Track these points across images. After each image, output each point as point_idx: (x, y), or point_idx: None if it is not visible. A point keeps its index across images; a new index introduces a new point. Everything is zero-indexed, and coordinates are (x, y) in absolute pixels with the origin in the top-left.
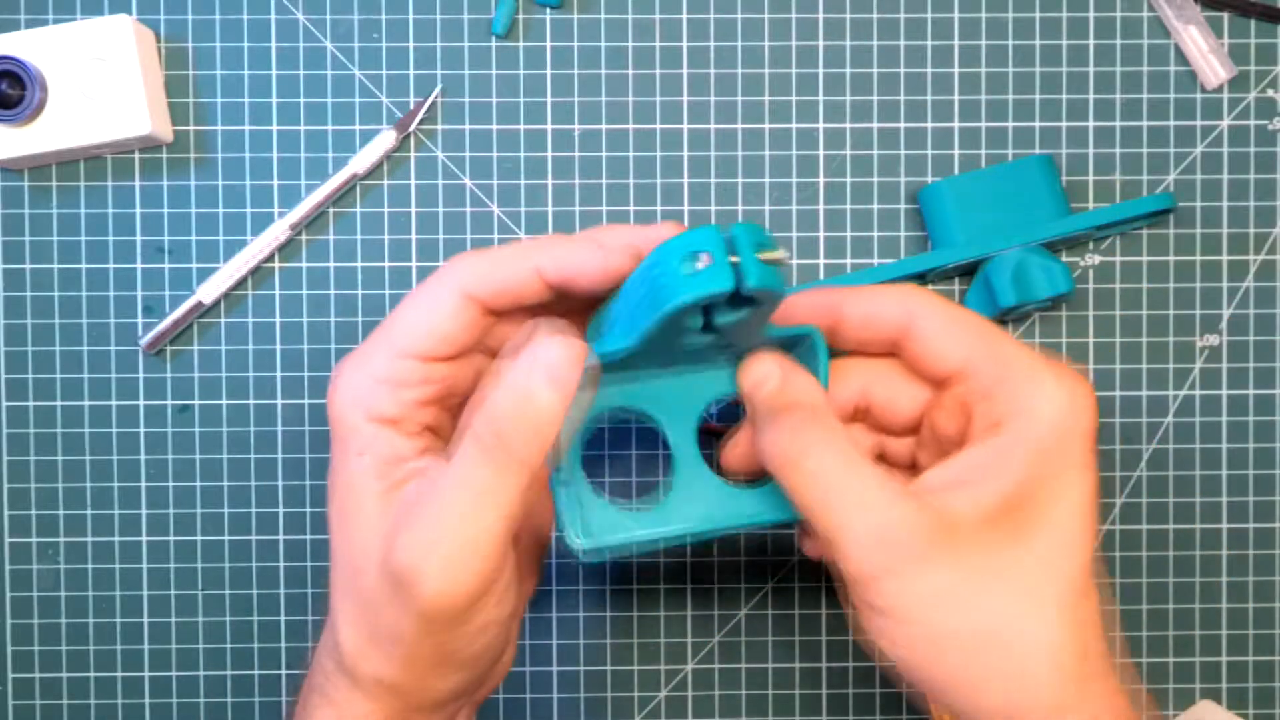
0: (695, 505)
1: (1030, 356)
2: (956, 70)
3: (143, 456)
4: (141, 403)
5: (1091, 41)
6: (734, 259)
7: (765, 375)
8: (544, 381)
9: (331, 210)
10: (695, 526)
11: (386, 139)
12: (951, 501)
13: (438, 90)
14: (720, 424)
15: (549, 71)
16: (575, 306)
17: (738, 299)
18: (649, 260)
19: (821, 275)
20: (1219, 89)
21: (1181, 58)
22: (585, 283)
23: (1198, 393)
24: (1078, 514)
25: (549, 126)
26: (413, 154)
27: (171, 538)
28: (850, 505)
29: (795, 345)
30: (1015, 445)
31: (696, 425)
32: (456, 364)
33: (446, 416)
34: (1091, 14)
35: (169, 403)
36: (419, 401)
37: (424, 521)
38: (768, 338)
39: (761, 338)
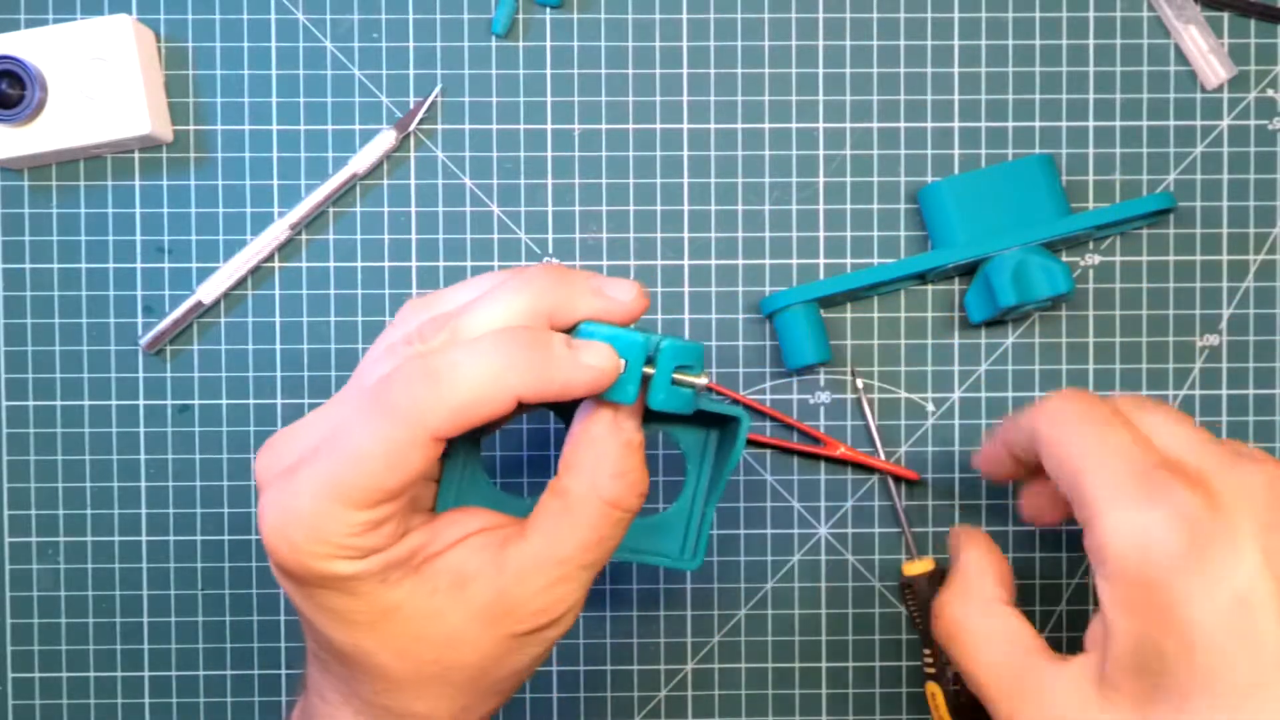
0: None
1: (1108, 478)
2: (956, 70)
3: (143, 456)
4: (141, 403)
5: (1091, 41)
6: (649, 371)
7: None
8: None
9: (331, 210)
10: None
11: (386, 139)
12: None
13: (438, 90)
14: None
15: (549, 71)
16: None
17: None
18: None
19: (821, 275)
20: (1219, 89)
21: (1181, 58)
22: (568, 398)
23: (1198, 393)
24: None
25: (549, 126)
26: (413, 154)
27: (171, 538)
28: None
29: (724, 423)
30: (1104, 599)
31: None
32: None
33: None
34: (1091, 14)
35: (169, 403)
36: (397, 522)
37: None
38: (699, 409)
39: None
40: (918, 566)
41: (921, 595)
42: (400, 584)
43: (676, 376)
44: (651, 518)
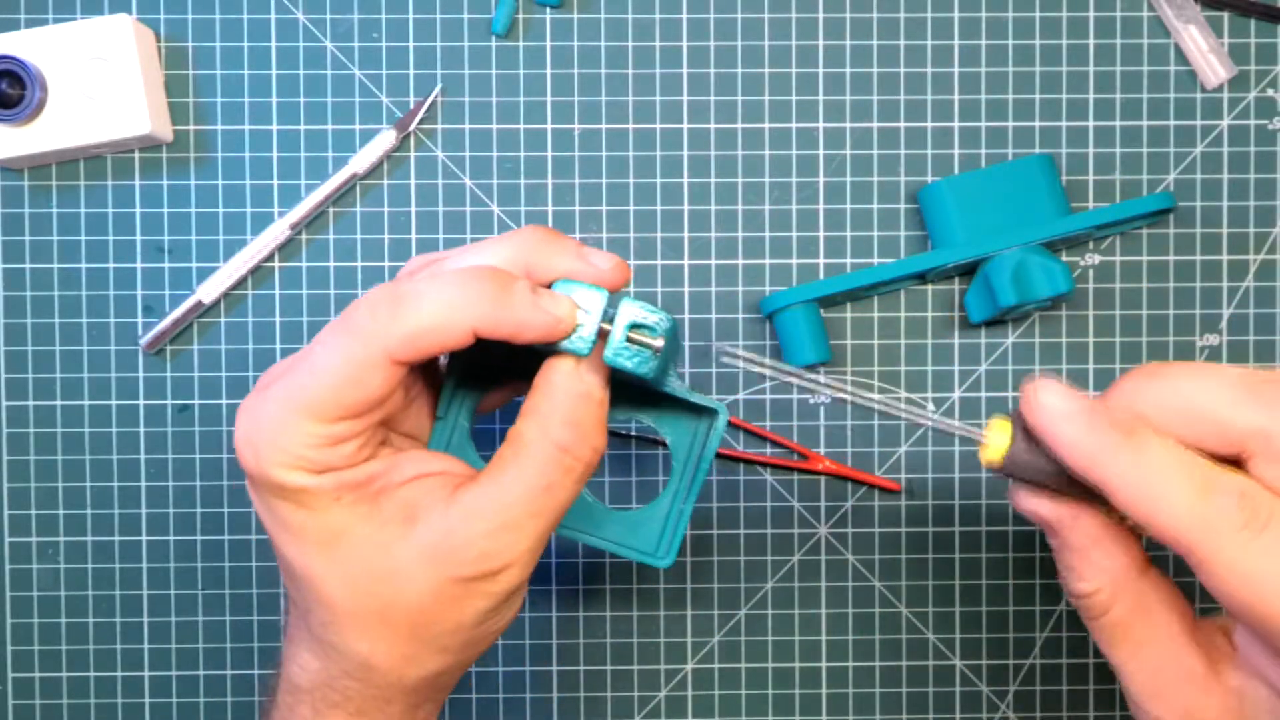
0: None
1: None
2: (956, 70)
3: (143, 456)
4: (141, 402)
5: (1091, 41)
6: (606, 326)
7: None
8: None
9: (331, 210)
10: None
11: (386, 139)
12: None
13: (438, 90)
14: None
15: (549, 71)
16: None
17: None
18: None
19: (821, 275)
20: (1219, 89)
21: (1181, 58)
22: (524, 340)
23: None
24: None
25: (549, 126)
26: (413, 154)
27: (171, 538)
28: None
29: (701, 414)
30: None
31: None
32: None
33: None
34: (1091, 14)
35: (169, 402)
36: (359, 446)
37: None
38: (676, 397)
39: (671, 396)
40: (997, 438)
41: (1024, 463)
42: (353, 508)
43: (633, 336)
44: (634, 511)
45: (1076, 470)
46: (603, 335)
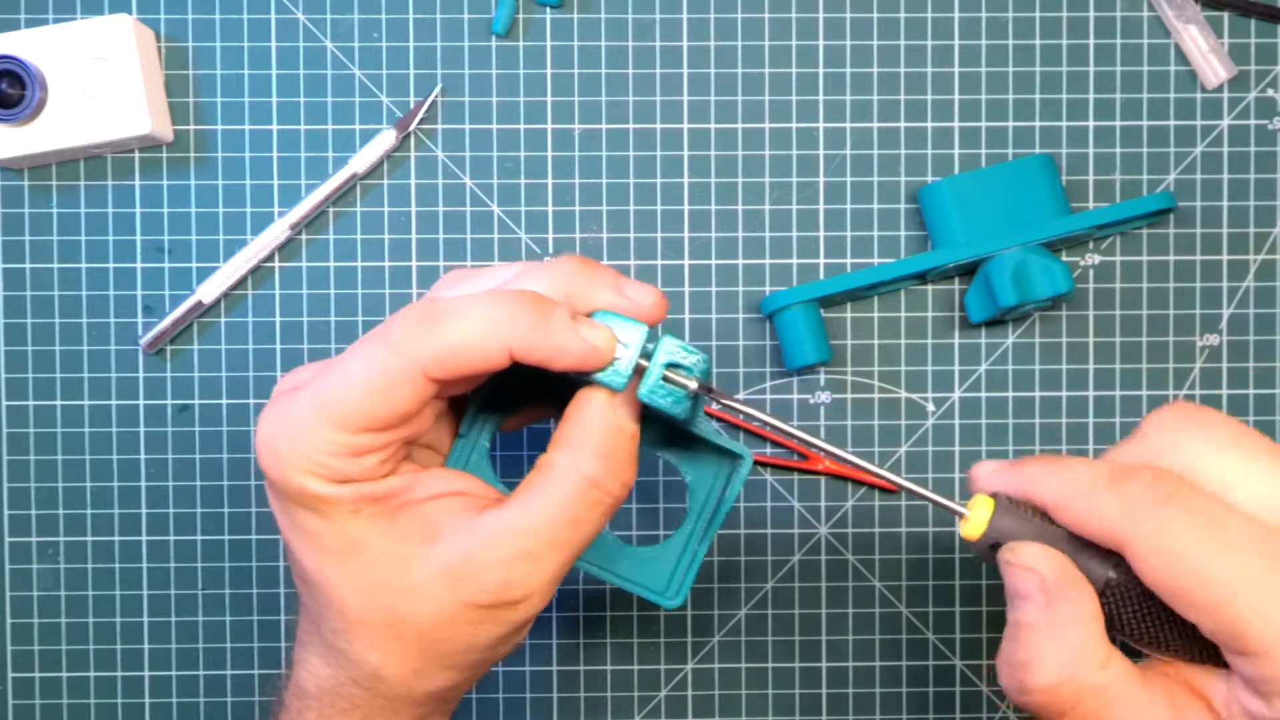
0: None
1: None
2: (956, 70)
3: (143, 456)
4: (141, 402)
5: (1091, 41)
6: (644, 363)
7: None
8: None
9: (331, 210)
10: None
11: (386, 139)
12: None
13: (438, 90)
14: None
15: (549, 71)
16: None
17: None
18: None
19: (821, 275)
20: (1219, 89)
21: (1181, 58)
22: (559, 367)
23: (1198, 392)
24: None
25: (549, 126)
26: (413, 154)
27: (171, 538)
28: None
29: (732, 463)
30: None
31: None
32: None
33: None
34: (1091, 14)
35: (169, 402)
36: (382, 460)
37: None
38: (705, 440)
39: (697, 436)
40: (976, 517)
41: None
42: (371, 521)
43: (669, 374)
44: (646, 548)
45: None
46: (638, 371)
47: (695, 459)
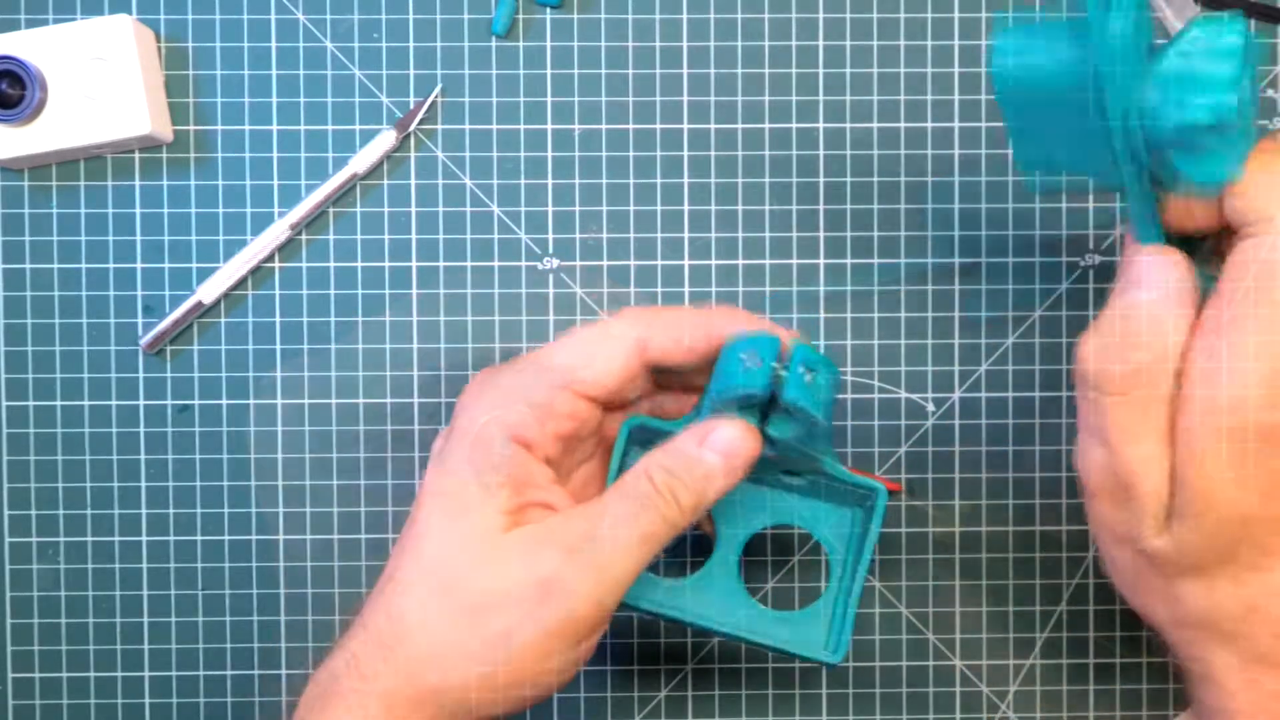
0: (713, 602)
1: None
2: (956, 70)
3: (143, 456)
4: (141, 403)
5: None
6: (781, 370)
7: None
8: (718, 454)
9: (331, 210)
10: (704, 622)
11: (386, 139)
12: None
13: (438, 90)
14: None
15: (549, 71)
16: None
17: (784, 409)
18: (721, 354)
19: (821, 275)
20: None
21: None
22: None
23: None
24: None
25: (549, 126)
26: (413, 154)
27: (171, 538)
28: None
29: (864, 499)
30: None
31: (744, 538)
32: (598, 407)
33: (562, 454)
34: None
35: (169, 403)
36: (558, 434)
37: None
38: (834, 477)
39: (824, 472)
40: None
41: None
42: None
43: (807, 375)
44: (800, 612)
45: None
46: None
47: (815, 513)
